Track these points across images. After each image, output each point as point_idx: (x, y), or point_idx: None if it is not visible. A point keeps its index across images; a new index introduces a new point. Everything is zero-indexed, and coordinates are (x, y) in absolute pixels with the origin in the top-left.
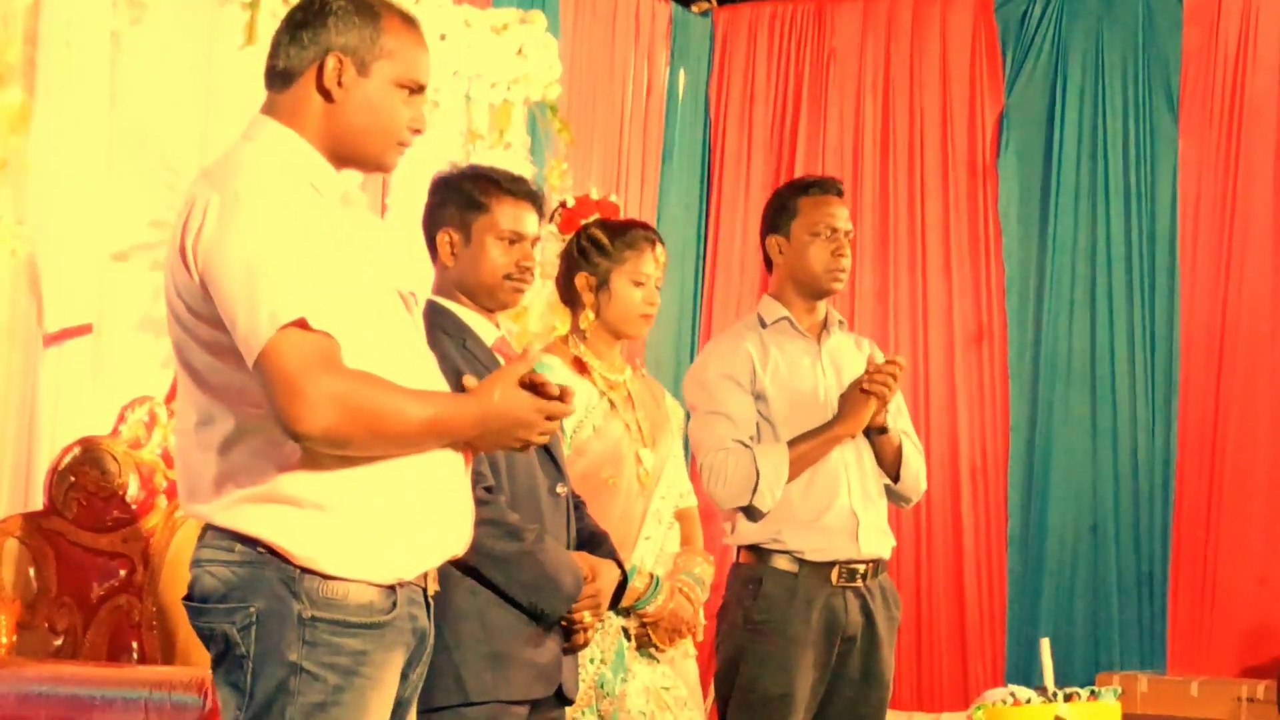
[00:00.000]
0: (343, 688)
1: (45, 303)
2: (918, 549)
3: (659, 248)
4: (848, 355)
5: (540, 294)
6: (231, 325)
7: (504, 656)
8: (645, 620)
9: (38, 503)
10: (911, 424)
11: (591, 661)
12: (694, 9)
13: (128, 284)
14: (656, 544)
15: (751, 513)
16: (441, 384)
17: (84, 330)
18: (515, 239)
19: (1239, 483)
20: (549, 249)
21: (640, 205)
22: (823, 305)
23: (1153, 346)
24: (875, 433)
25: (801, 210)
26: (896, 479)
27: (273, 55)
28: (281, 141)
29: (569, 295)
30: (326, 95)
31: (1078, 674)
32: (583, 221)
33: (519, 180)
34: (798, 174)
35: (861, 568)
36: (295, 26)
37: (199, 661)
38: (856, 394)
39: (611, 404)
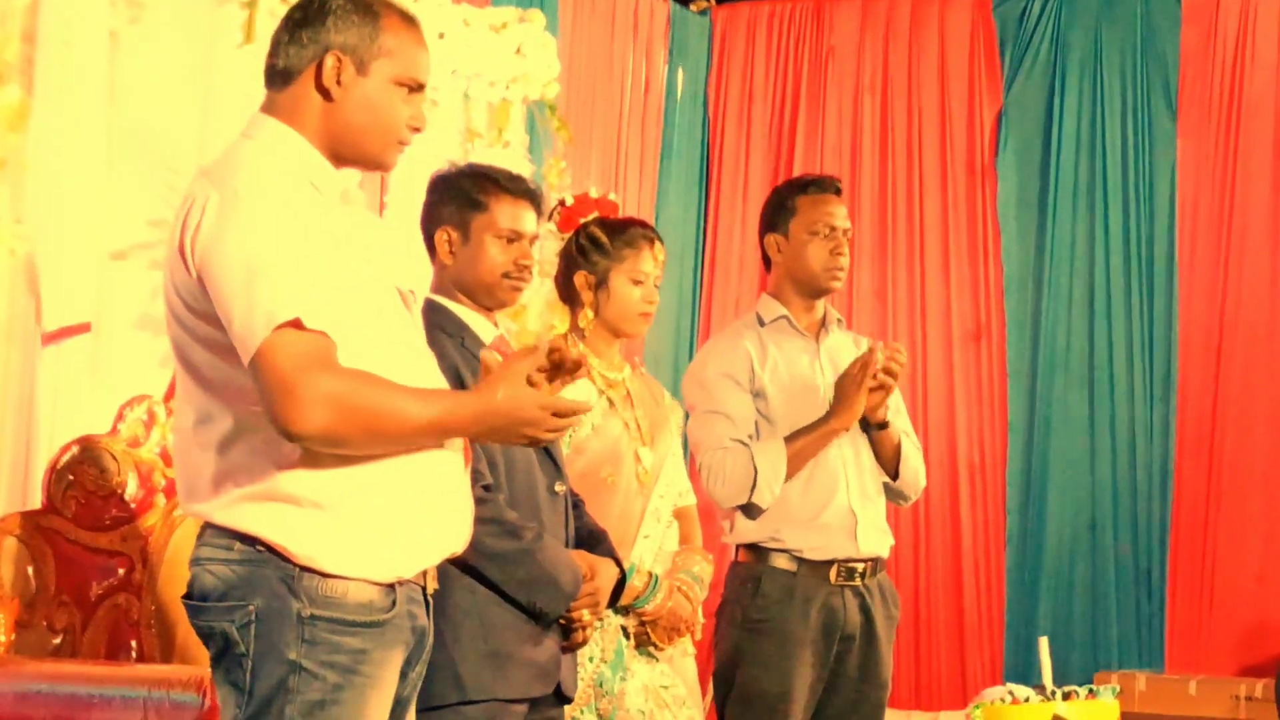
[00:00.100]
0: (342, 686)
1: (44, 301)
2: (916, 548)
3: (658, 246)
4: (846, 354)
5: (539, 292)
6: (228, 324)
7: (503, 655)
8: (644, 619)
9: (36, 501)
10: (910, 422)
11: (590, 660)
12: (692, 7)
13: (126, 283)
14: (655, 542)
15: (751, 510)
16: (441, 382)
17: (83, 329)
18: (514, 237)
19: (1237, 481)
20: (548, 247)
21: (639, 204)
22: (821, 304)
23: (1151, 345)
24: (876, 428)
25: (800, 209)
26: (895, 476)
27: (272, 54)
28: (281, 140)
29: (568, 294)
30: (326, 94)
31: (1076, 673)
32: (581, 220)
33: (517, 179)
34: (796, 172)
35: (860, 566)
36: (294, 25)
37: (198, 660)
38: (849, 387)
39: (610, 402)
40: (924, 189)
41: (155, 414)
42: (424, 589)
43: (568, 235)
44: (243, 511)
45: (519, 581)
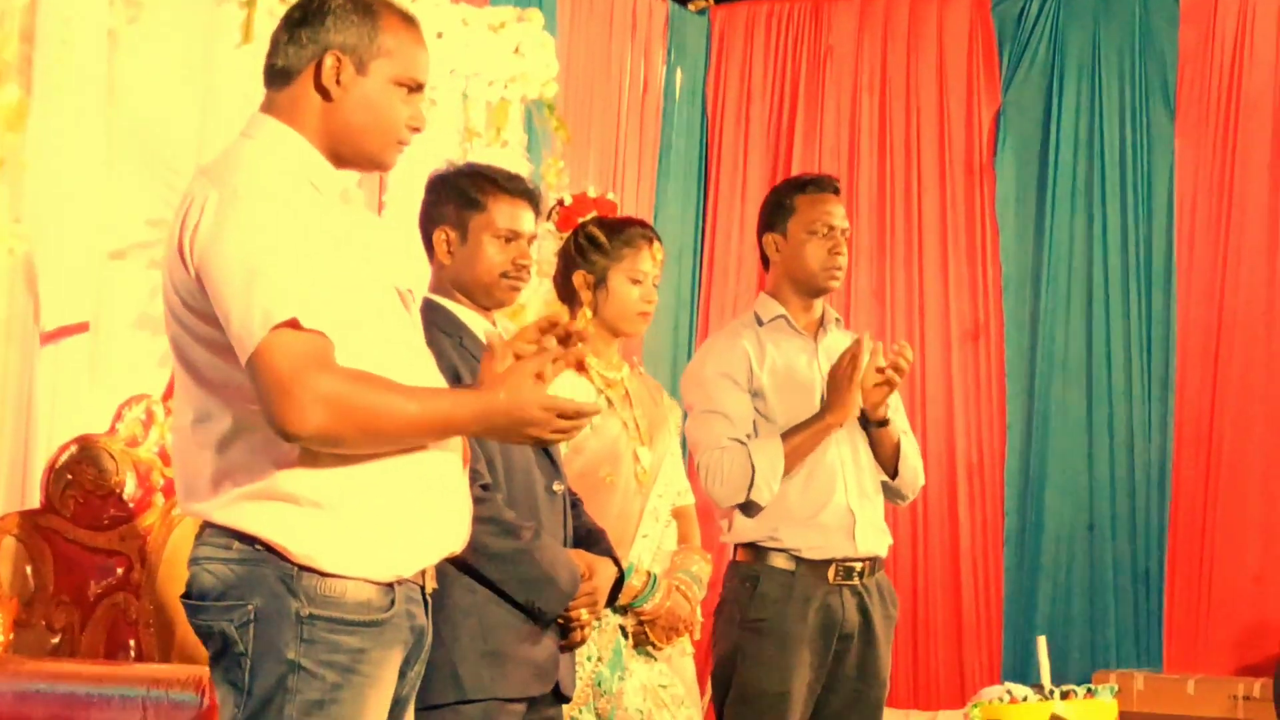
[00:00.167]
0: (341, 685)
1: (42, 301)
2: (914, 547)
3: (656, 245)
4: None
5: (538, 292)
6: (226, 323)
7: (501, 654)
8: (643, 618)
9: (35, 501)
10: (908, 421)
11: (589, 659)
12: (691, 7)
13: (125, 282)
14: (654, 542)
15: (749, 508)
16: (440, 382)
17: (81, 328)
18: (512, 237)
19: (1235, 481)
20: (546, 247)
21: (637, 203)
22: (819, 303)
23: (1149, 344)
24: (875, 425)
25: (798, 208)
26: (894, 475)
27: (271, 53)
28: (281, 140)
29: (566, 293)
30: (325, 94)
31: (1074, 672)
32: (580, 219)
33: (516, 179)
34: (794, 171)
35: (858, 566)
36: (294, 25)
37: (196, 659)
38: (840, 381)
39: (609, 402)
40: (922, 188)
41: (154, 413)
42: (422, 588)
43: (566, 235)
44: (241, 511)
45: (517, 581)
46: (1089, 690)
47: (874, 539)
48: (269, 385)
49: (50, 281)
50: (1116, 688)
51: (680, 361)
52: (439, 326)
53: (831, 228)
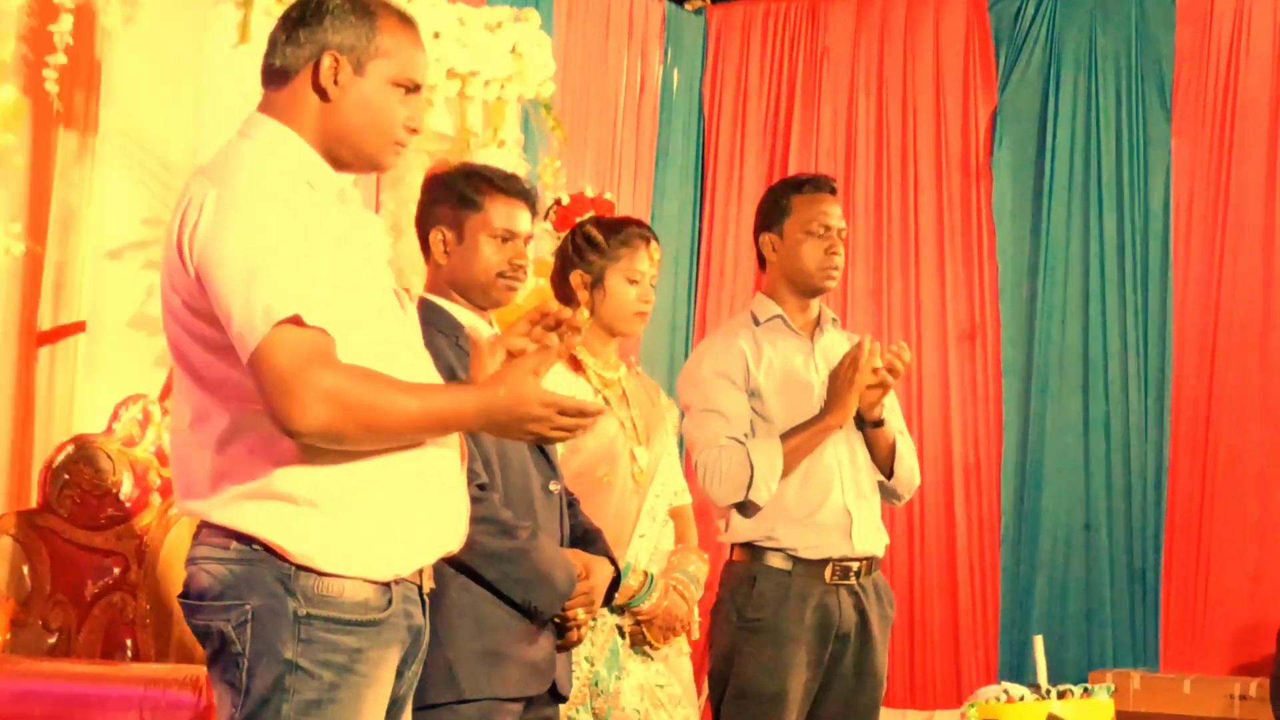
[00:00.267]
0: (338, 685)
1: (39, 301)
2: (911, 547)
3: (654, 245)
4: (841, 353)
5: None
6: (226, 321)
7: (498, 654)
8: (640, 618)
9: (32, 500)
10: (904, 421)
11: (586, 659)
12: (688, 7)
13: (121, 282)
14: (651, 542)
15: (747, 508)
16: (437, 381)
17: (77, 328)
18: (508, 237)
19: (1231, 480)
20: (544, 246)
21: (634, 203)
22: (816, 303)
23: (1145, 344)
24: (871, 426)
25: (795, 208)
26: (890, 475)
27: (269, 53)
28: (278, 140)
29: (564, 293)
30: (322, 94)
31: (1071, 671)
32: (578, 219)
33: (512, 178)
34: (791, 172)
35: (855, 565)
36: (291, 25)
37: (193, 659)
38: (841, 383)
39: (606, 401)
40: (919, 188)
41: (150, 413)
42: (420, 588)
43: (564, 234)
44: (239, 510)
45: (514, 580)
46: (1085, 690)
47: (871, 539)
48: (272, 382)
49: (47, 281)
50: (1113, 687)
51: (677, 361)
52: (436, 326)
53: (828, 228)
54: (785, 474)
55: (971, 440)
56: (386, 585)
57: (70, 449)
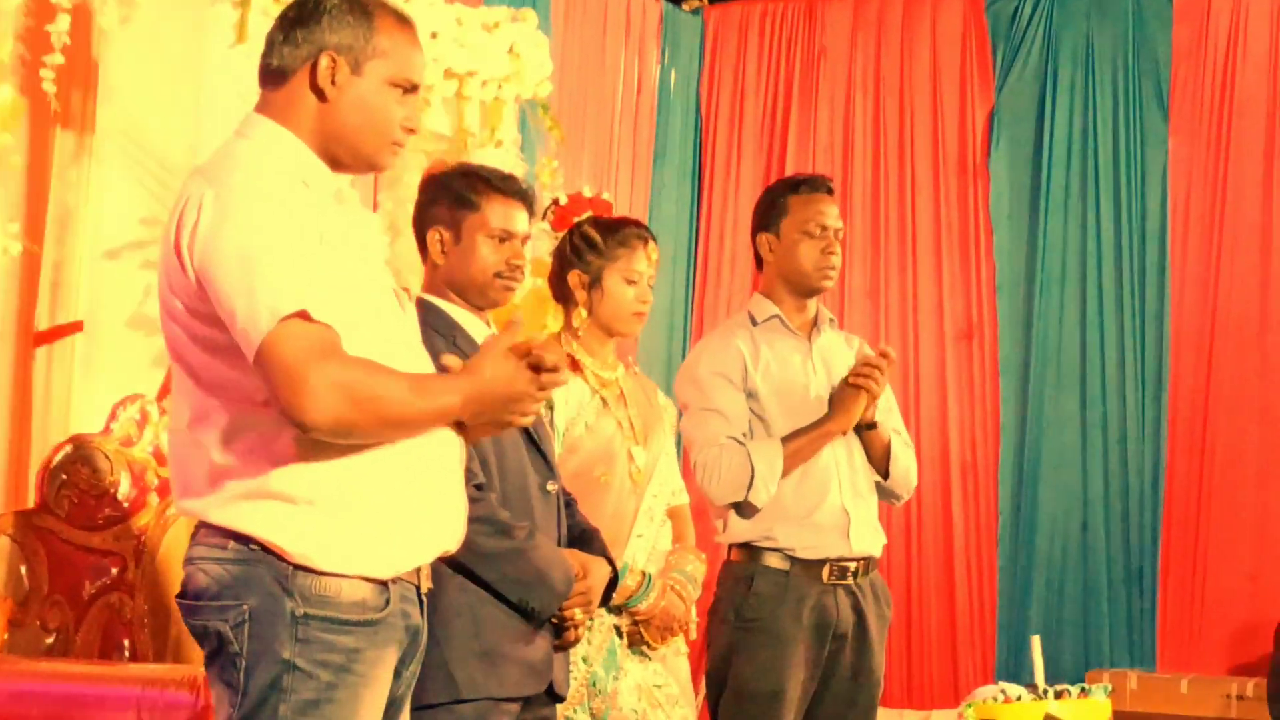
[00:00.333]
0: (335, 685)
1: (37, 301)
2: (908, 547)
3: (651, 245)
4: (838, 353)
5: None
6: (230, 319)
7: (495, 653)
8: (637, 618)
9: (29, 500)
10: (902, 421)
11: (584, 659)
12: (685, 7)
13: (119, 282)
14: (648, 542)
15: (745, 509)
16: None
17: (75, 328)
18: (505, 237)
19: (1228, 480)
20: (541, 246)
21: (631, 203)
22: (813, 303)
23: (1143, 344)
24: (864, 428)
25: (791, 208)
26: (886, 475)
27: (267, 53)
28: (275, 140)
29: (561, 293)
30: (320, 94)
31: (1068, 671)
32: (575, 219)
33: (509, 179)
34: (788, 172)
35: (853, 565)
36: (289, 25)
37: (191, 659)
38: (847, 390)
39: (604, 401)
40: (916, 188)
41: (148, 413)
42: (418, 588)
43: (561, 234)
44: (237, 510)
45: (511, 580)
46: (1083, 690)
47: (868, 539)
48: (281, 376)
49: (44, 281)
50: (1110, 687)
51: (675, 361)
52: (433, 326)
53: (824, 228)
54: (784, 476)
55: (969, 440)
56: (384, 585)
57: (68, 449)
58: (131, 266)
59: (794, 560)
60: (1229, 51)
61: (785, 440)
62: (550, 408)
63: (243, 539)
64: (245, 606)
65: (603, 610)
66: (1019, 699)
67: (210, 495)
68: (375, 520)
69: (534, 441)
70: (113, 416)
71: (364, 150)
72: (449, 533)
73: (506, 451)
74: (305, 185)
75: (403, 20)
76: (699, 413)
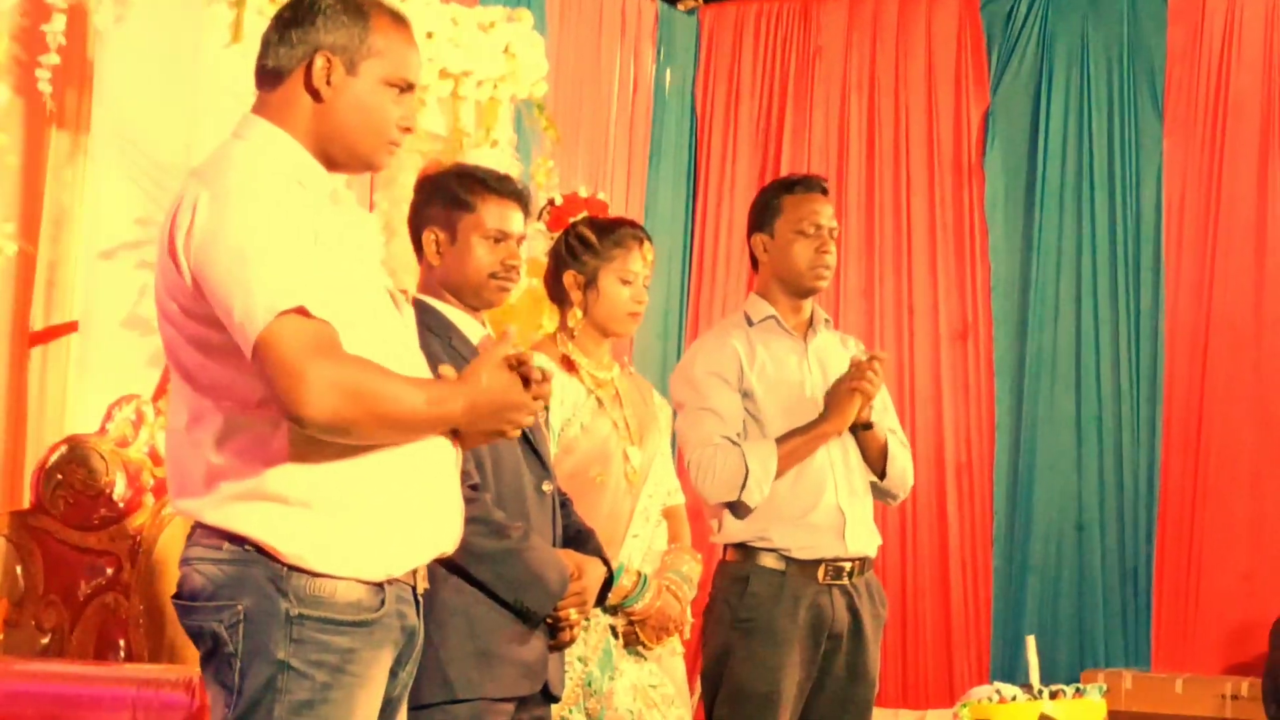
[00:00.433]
0: (330, 685)
1: (32, 301)
2: (903, 547)
3: (647, 246)
4: (834, 353)
5: (530, 293)
6: (227, 317)
7: (490, 654)
8: (633, 618)
9: (25, 501)
10: (898, 421)
11: (579, 660)
12: (680, 7)
13: (114, 282)
14: (644, 542)
15: (739, 509)
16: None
17: (70, 328)
18: (501, 238)
19: (1223, 480)
20: (537, 247)
21: (627, 203)
22: (809, 303)
23: (1137, 344)
24: (860, 429)
25: (786, 208)
26: (882, 476)
27: (262, 54)
28: (271, 140)
29: (557, 293)
30: (315, 95)
31: (1063, 671)
32: (571, 219)
33: (505, 179)
34: (783, 172)
35: (848, 566)
36: (284, 25)
37: (186, 660)
38: (842, 391)
39: (599, 402)
40: (911, 188)
41: (143, 414)
42: (414, 588)
43: (557, 234)
44: (232, 511)
45: (506, 581)
46: (1077, 690)
47: (864, 539)
48: (279, 371)
49: (39, 282)
50: (1105, 687)
51: (670, 361)
52: (429, 326)
53: (819, 227)
54: (778, 477)
55: (964, 440)
56: (379, 586)
57: (63, 449)
58: (127, 266)
59: (789, 560)
60: (1223, 52)
61: (780, 441)
62: (546, 407)
63: (237, 540)
64: (240, 607)
65: (598, 610)
66: (1014, 699)
67: (206, 496)
68: (370, 522)
69: (529, 442)
70: (108, 417)
71: (360, 150)
72: (445, 535)
73: (502, 452)
74: (301, 186)
75: (398, 19)
76: (694, 412)
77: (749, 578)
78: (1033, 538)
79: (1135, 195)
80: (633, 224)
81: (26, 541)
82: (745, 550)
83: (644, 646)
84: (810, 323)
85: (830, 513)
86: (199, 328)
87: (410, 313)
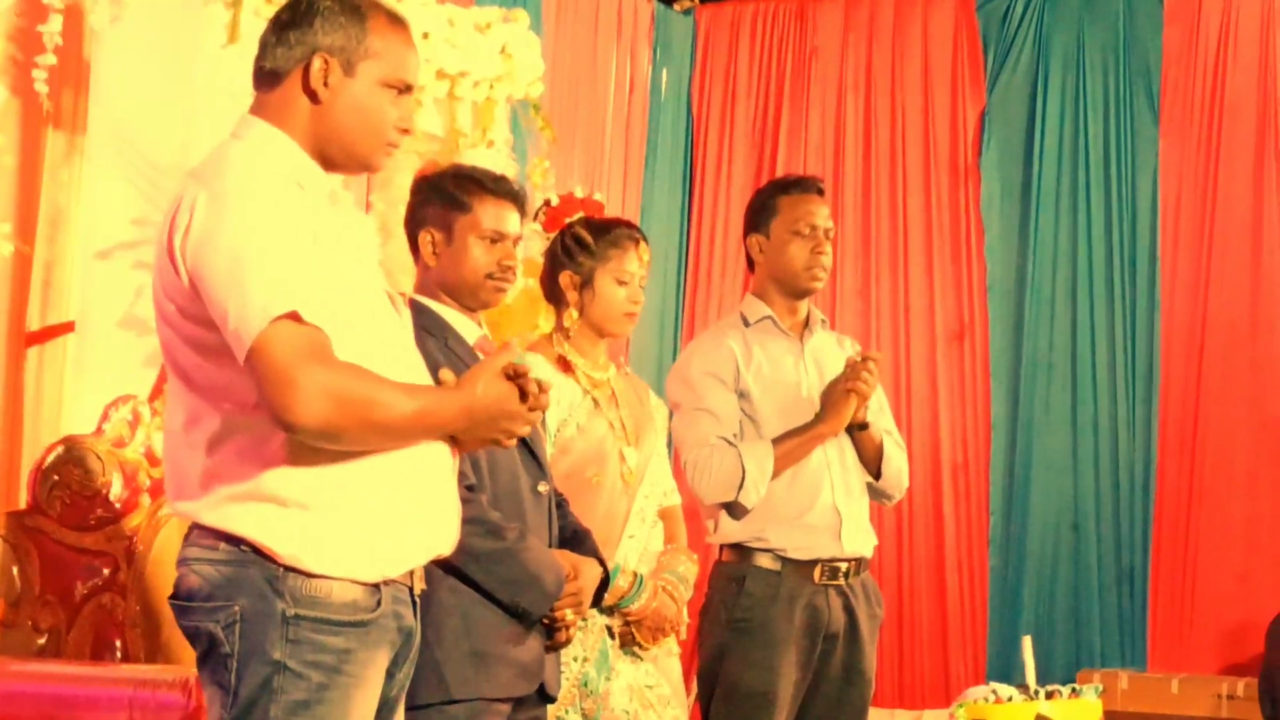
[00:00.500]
0: (326, 686)
1: (28, 301)
2: (899, 547)
3: (643, 246)
4: (830, 354)
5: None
6: (222, 320)
7: (486, 654)
8: (629, 619)
9: (21, 501)
10: (894, 421)
11: (575, 660)
12: (676, 7)
13: (110, 282)
14: (640, 542)
15: (736, 509)
16: (430, 384)
17: (66, 329)
18: (497, 238)
19: (1219, 480)
20: (533, 247)
21: (623, 203)
22: (805, 304)
23: (1133, 344)
24: (856, 429)
25: (781, 209)
26: (878, 476)
27: (260, 55)
28: (268, 141)
29: (553, 293)
30: (313, 96)
31: (1058, 671)
32: (567, 220)
33: (501, 179)
34: (779, 172)
35: (844, 566)
36: (282, 26)
37: (182, 660)
38: (838, 392)
39: (595, 402)
40: (907, 189)
41: (140, 414)
42: (411, 589)
43: (553, 235)
44: (229, 512)
45: (502, 581)
46: (1073, 690)
47: (860, 539)
48: (270, 377)
49: (35, 282)
50: (1101, 687)
51: (666, 362)
52: (425, 327)
53: (814, 228)
54: (774, 478)
55: (960, 440)
56: (375, 586)
57: (60, 450)
58: (123, 267)
59: (785, 561)
60: (1219, 53)
61: (776, 441)
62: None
63: (234, 540)
64: (236, 607)
65: (594, 611)
66: (1010, 699)
67: (202, 497)
68: (367, 523)
69: (526, 442)
70: (104, 417)
71: (358, 151)
72: (442, 536)
73: (498, 453)
74: (300, 187)
75: (396, 21)
76: (690, 413)
77: (745, 578)
78: (1029, 538)
79: (1131, 196)
80: (629, 224)
81: (23, 542)
82: (741, 550)
83: (640, 647)
84: (806, 323)
85: (827, 513)
86: (196, 329)
87: (408, 314)
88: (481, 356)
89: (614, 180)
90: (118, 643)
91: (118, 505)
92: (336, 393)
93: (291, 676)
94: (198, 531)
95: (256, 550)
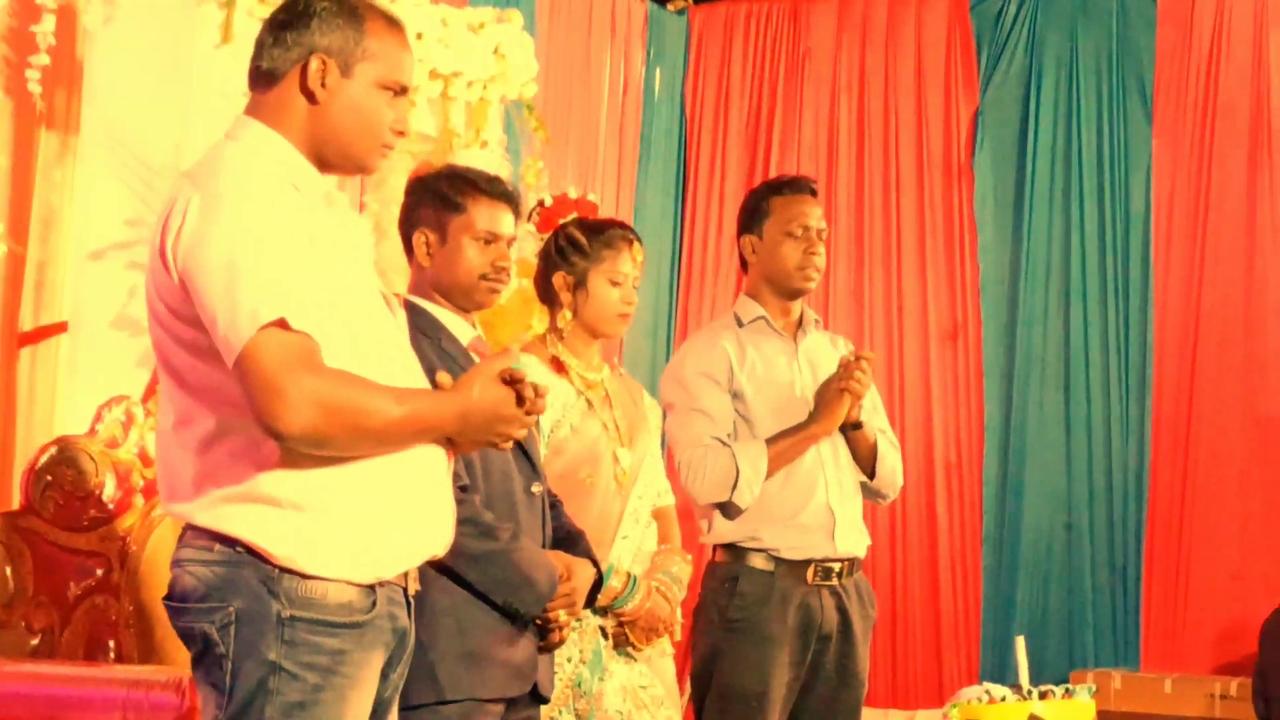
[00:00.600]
0: (322, 687)
1: (21, 301)
2: (893, 547)
3: (636, 247)
4: (824, 354)
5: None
6: (211, 325)
7: (479, 655)
8: (623, 619)
9: (14, 502)
10: (887, 421)
11: (569, 661)
12: (670, 7)
13: (103, 283)
14: (634, 543)
15: (729, 509)
16: (424, 384)
17: (59, 329)
18: (491, 239)
19: (1212, 480)
20: (527, 248)
21: (617, 204)
22: (798, 304)
23: (1126, 344)
24: (849, 428)
25: (774, 210)
26: (872, 476)
27: (256, 55)
28: (263, 142)
29: (547, 294)
30: (310, 97)
31: (1052, 671)
32: (561, 220)
33: (495, 180)
34: (773, 172)
35: (837, 566)
36: (278, 27)
37: (176, 661)
38: (831, 392)
39: (589, 403)
40: (900, 189)
41: (133, 415)
42: (405, 590)
43: (547, 236)
44: (223, 513)
45: (495, 582)
46: (1067, 690)
47: (853, 539)
48: (258, 385)
49: (29, 282)
50: (1094, 687)
51: (660, 362)
52: (419, 328)
53: (807, 228)
54: (768, 478)
55: (953, 440)
56: (370, 587)
57: (53, 450)
58: (116, 267)
59: (779, 561)
60: (1212, 53)
61: (770, 442)
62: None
63: (229, 541)
64: (231, 608)
65: (588, 612)
66: (1004, 700)
67: (197, 498)
68: (362, 524)
69: (519, 443)
70: (97, 418)
71: (354, 153)
72: (436, 538)
73: (491, 454)
74: (295, 189)
75: (392, 22)
76: (684, 413)
77: (738, 578)
78: (1022, 538)
79: (1124, 196)
80: (622, 225)
81: (16, 543)
82: (735, 551)
83: (634, 647)
84: (800, 323)
85: (820, 513)
86: (189, 330)
87: (403, 315)
88: (476, 358)
89: (607, 180)
90: (111, 643)
91: (111, 506)
92: (324, 400)
93: (286, 677)
94: (192, 532)
95: (251, 551)
